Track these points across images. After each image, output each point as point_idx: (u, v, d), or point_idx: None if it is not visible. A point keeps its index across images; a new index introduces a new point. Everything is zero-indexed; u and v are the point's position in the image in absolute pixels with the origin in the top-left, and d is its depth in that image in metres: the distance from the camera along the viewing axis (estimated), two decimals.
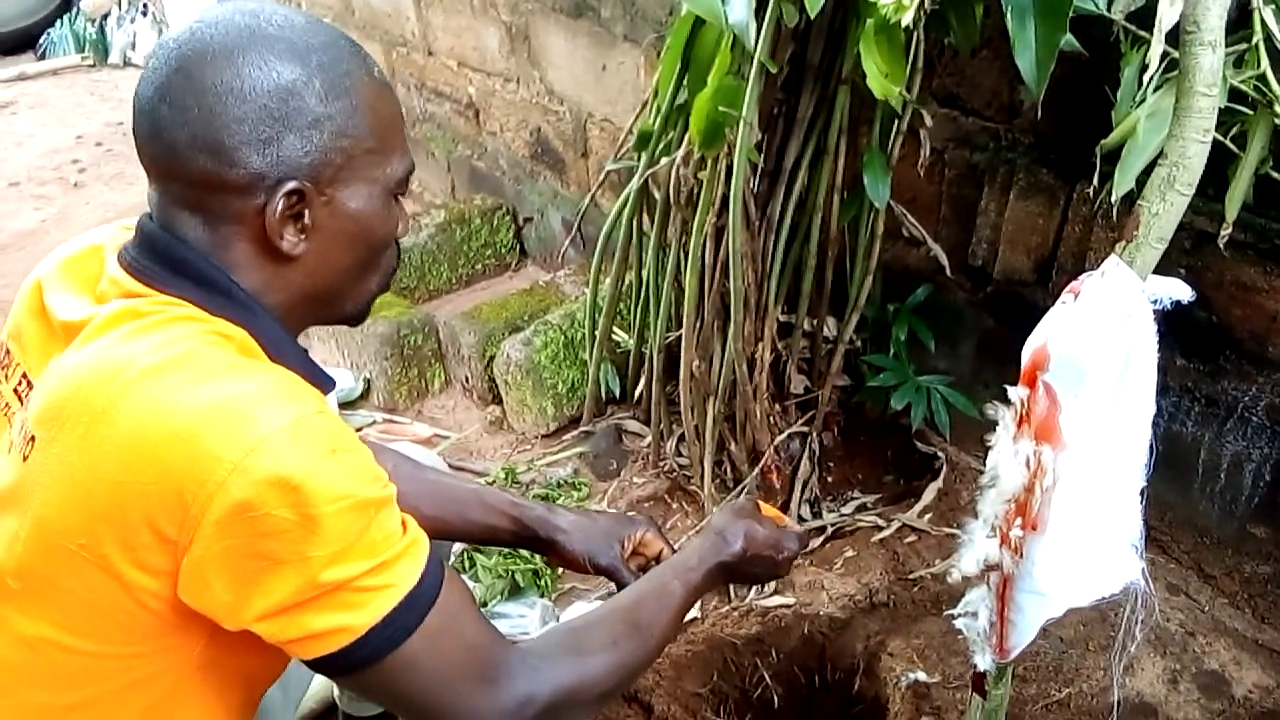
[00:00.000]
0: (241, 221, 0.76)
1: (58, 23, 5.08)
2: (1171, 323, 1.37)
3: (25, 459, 0.73)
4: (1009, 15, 0.95)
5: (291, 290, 0.80)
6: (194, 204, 0.76)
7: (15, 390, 0.80)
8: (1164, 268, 0.79)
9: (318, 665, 0.74)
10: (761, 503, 1.15)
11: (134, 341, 0.72)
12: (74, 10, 5.11)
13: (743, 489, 1.75)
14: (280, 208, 0.75)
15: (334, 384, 0.86)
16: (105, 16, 5.01)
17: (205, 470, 0.67)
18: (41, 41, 5.07)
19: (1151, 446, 0.84)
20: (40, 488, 0.71)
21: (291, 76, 0.74)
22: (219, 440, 0.67)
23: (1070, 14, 0.97)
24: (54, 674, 0.75)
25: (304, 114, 0.74)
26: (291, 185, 0.75)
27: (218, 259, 0.77)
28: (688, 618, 1.56)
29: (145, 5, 4.87)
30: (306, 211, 0.76)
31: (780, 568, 1.09)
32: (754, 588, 1.61)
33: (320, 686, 1.45)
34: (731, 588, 1.63)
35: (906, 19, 0.91)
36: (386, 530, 0.74)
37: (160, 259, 0.77)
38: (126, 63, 4.87)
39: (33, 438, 0.73)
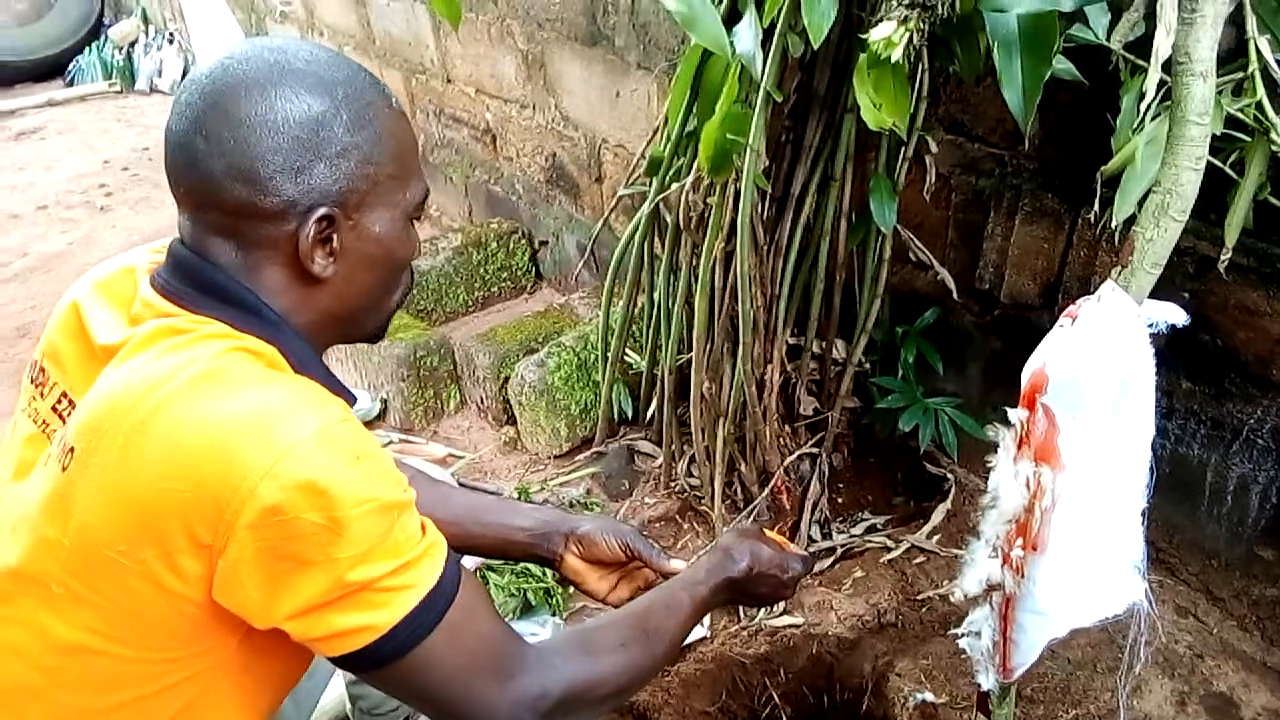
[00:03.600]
0: (274, 246, 0.80)
1: (86, 50, 5.21)
2: (1176, 346, 1.39)
3: (64, 469, 0.76)
4: (995, 49, 0.98)
5: (319, 311, 0.84)
6: (228, 231, 0.80)
7: (54, 408, 0.83)
8: (1168, 292, 0.80)
9: (342, 662, 0.77)
10: (766, 529, 1.17)
11: (169, 357, 0.76)
12: (102, 38, 5.24)
13: (753, 510, 1.77)
14: (312, 233, 0.79)
15: (354, 400, 0.89)
16: (132, 44, 5.12)
17: (238, 477, 0.70)
18: (70, 69, 5.19)
19: (1157, 469, 0.85)
20: (82, 496, 0.74)
21: (321, 108, 0.78)
22: (250, 448, 0.71)
23: (1057, 48, 0.99)
24: (90, 678, 0.78)
25: (333, 143, 0.78)
26: (323, 211, 0.78)
27: (248, 282, 0.80)
28: (696, 636, 1.59)
29: (171, 34, 4.98)
30: (335, 236, 0.80)
31: (785, 588, 1.10)
32: (763, 608, 1.63)
33: (333, 702, 1.47)
34: (740, 608, 1.64)
35: (896, 55, 0.94)
36: (408, 532, 0.77)
37: (192, 282, 0.80)
38: (153, 89, 4.97)
39: (71, 449, 0.76)
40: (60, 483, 0.76)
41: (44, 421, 0.84)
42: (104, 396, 0.76)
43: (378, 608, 0.75)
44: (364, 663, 0.76)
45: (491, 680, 0.81)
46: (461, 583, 0.80)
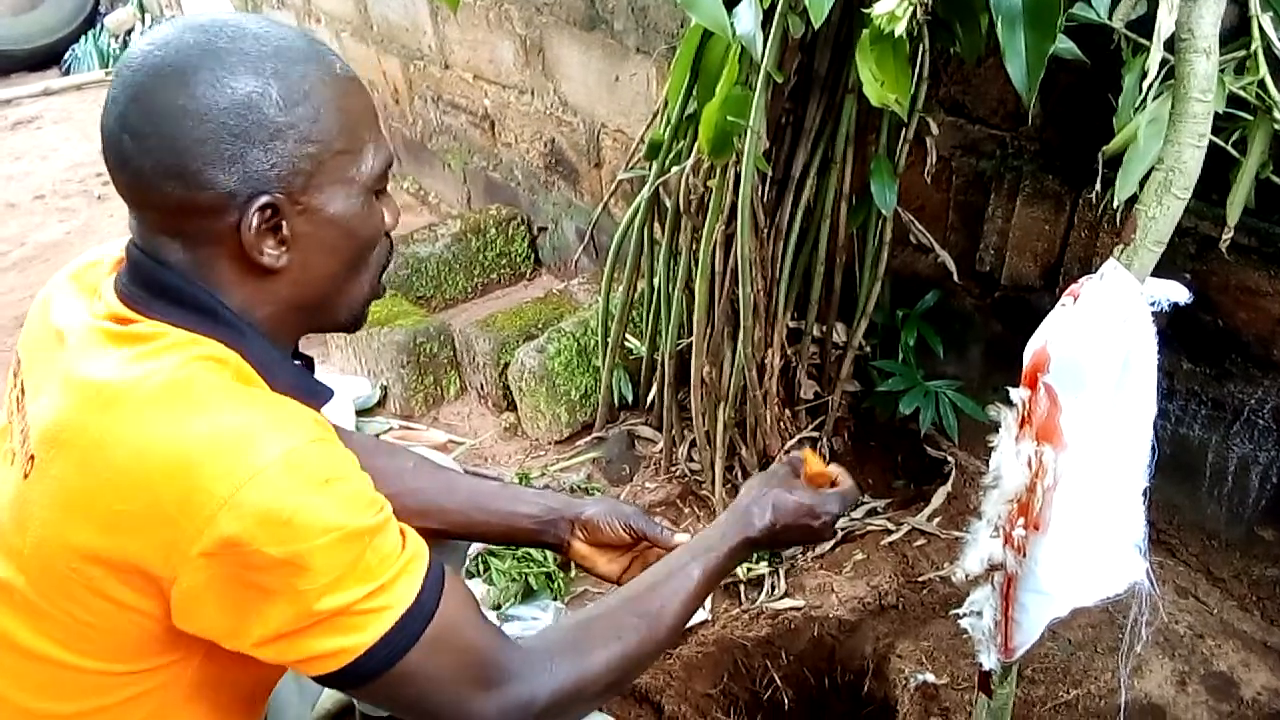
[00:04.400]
0: (220, 241, 0.75)
1: (82, 39, 5.18)
2: (1178, 326, 1.39)
3: (26, 476, 0.74)
4: (999, 23, 0.97)
5: (279, 303, 0.79)
6: (171, 229, 0.75)
7: (17, 398, 0.82)
8: (1169, 272, 0.80)
9: (320, 680, 0.75)
10: (810, 456, 1.09)
11: (131, 368, 0.72)
12: (98, 27, 5.21)
13: (788, 453, 1.75)
14: (255, 223, 0.74)
15: (331, 394, 0.86)
16: (129, 33, 5.09)
17: (196, 505, 0.67)
18: (66, 58, 5.16)
19: (1158, 449, 0.85)
20: (39, 508, 0.73)
21: (247, 90, 0.72)
22: (211, 474, 0.68)
23: (1060, 23, 0.98)
24: (52, 686, 0.77)
25: (264, 126, 0.72)
26: (263, 200, 0.73)
27: (202, 280, 0.76)
28: (698, 620, 1.59)
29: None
30: (284, 223, 0.75)
31: (820, 533, 1.05)
32: (764, 589, 1.63)
33: None
34: (742, 590, 1.65)
35: (899, 29, 0.93)
36: (383, 553, 0.74)
37: (146, 285, 0.77)
38: None
39: (32, 457, 0.74)
40: (22, 490, 0.75)
41: (10, 411, 0.83)
42: (63, 406, 0.73)
43: (352, 631, 0.72)
44: (343, 681, 0.75)
45: (477, 690, 0.79)
46: (444, 594, 0.77)
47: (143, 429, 0.70)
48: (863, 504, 1.84)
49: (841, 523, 1.78)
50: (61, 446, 0.72)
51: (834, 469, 1.10)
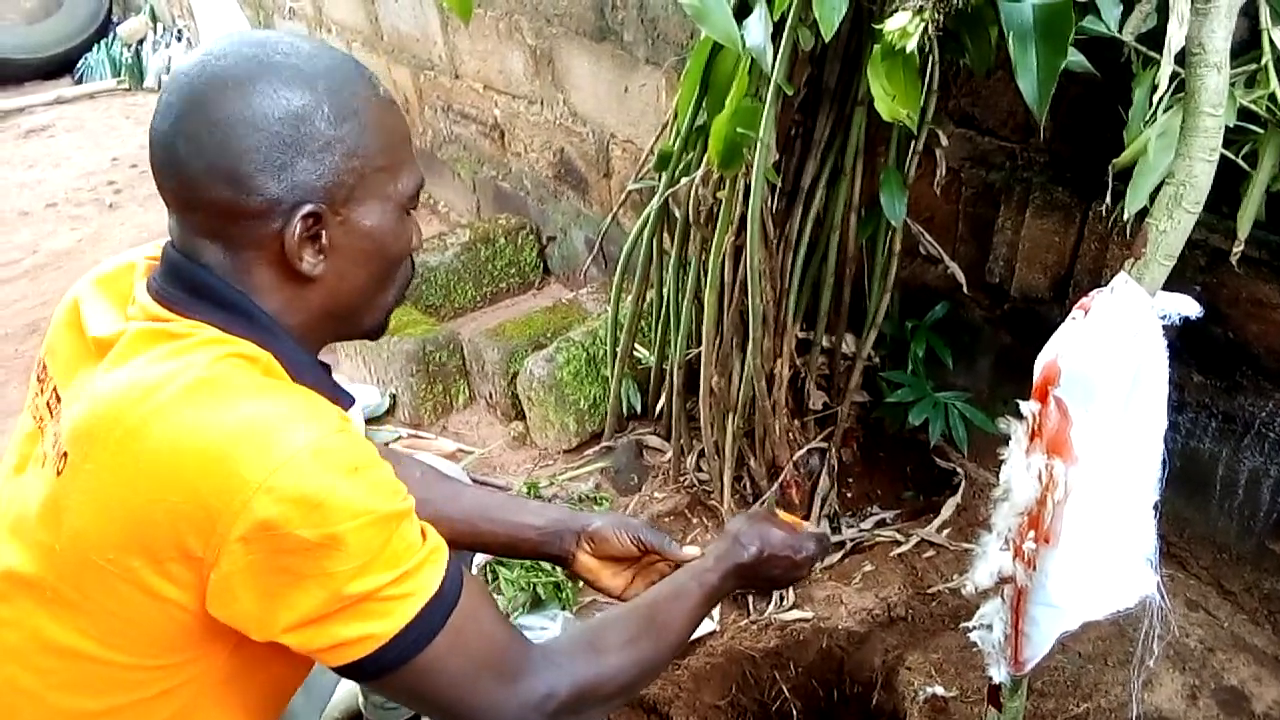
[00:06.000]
0: (261, 246, 0.78)
1: (94, 48, 5.23)
2: (1188, 339, 1.38)
3: (59, 473, 0.76)
4: (1010, 39, 0.98)
5: (312, 310, 0.82)
6: (214, 232, 0.78)
7: (48, 404, 0.83)
8: (1179, 285, 0.80)
9: (345, 671, 0.77)
10: (781, 511, 1.15)
11: (163, 364, 0.75)
12: (110, 36, 5.25)
13: (762, 504, 1.76)
14: (298, 230, 0.77)
15: (354, 401, 0.88)
16: (141, 42, 5.13)
17: (231, 490, 0.69)
18: (79, 66, 5.21)
19: (1168, 462, 0.85)
20: (73, 503, 0.74)
21: (301, 103, 0.76)
22: (245, 461, 0.70)
23: (1071, 38, 0.99)
24: (82, 682, 0.78)
25: (315, 138, 0.76)
26: (308, 208, 0.76)
27: (239, 283, 0.79)
28: (706, 630, 1.59)
29: (180, 31, 4.99)
30: (323, 232, 0.78)
31: (799, 569, 1.09)
32: (773, 600, 1.63)
33: (345, 695, 1.47)
34: (750, 601, 1.64)
35: (911, 45, 0.94)
36: (408, 540, 0.76)
37: (184, 285, 0.79)
38: (161, 87, 4.98)
39: (65, 454, 0.75)
40: (54, 487, 0.76)
41: (40, 417, 0.84)
42: (97, 402, 0.75)
43: (379, 617, 0.74)
44: (367, 671, 0.76)
45: (497, 683, 0.80)
46: (464, 587, 0.79)
47: (175, 421, 0.71)
48: (871, 515, 1.84)
49: (850, 534, 1.78)
50: (95, 441, 0.73)
51: (801, 522, 1.16)
